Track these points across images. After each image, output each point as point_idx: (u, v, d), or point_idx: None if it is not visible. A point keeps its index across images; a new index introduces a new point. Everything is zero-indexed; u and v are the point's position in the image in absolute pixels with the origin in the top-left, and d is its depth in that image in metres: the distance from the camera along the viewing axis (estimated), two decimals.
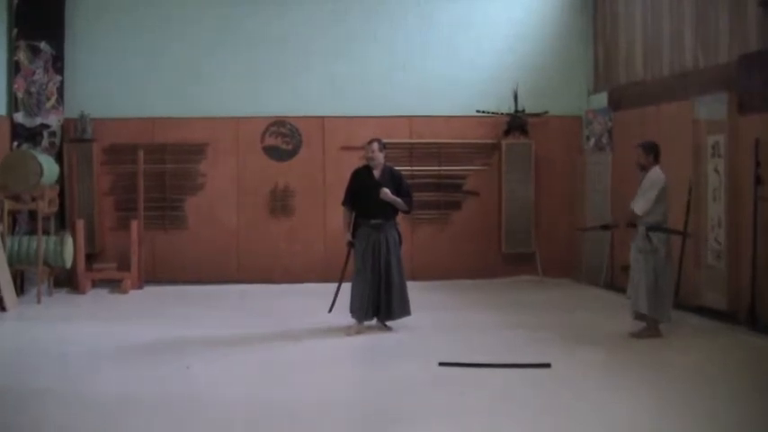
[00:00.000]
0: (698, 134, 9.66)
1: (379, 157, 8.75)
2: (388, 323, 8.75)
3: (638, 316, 8.39)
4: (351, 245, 8.71)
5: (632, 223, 8.49)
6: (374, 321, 8.75)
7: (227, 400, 6.28)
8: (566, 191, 12.70)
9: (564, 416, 5.91)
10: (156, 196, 12.20)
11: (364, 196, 8.66)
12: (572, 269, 12.53)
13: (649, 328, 8.29)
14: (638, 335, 8.29)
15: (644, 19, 11.22)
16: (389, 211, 8.70)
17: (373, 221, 8.60)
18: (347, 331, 8.55)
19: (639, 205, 8.25)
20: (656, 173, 8.27)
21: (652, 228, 8.19)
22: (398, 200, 8.65)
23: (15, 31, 11.74)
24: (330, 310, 9.03)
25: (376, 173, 8.74)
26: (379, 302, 8.60)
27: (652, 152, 8.35)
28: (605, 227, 10.22)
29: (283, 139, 12.49)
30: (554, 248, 12.62)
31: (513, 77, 12.47)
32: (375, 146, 8.76)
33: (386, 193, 8.56)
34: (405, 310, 8.70)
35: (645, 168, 8.34)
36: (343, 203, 8.85)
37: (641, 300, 8.24)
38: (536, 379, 6.80)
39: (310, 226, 12.44)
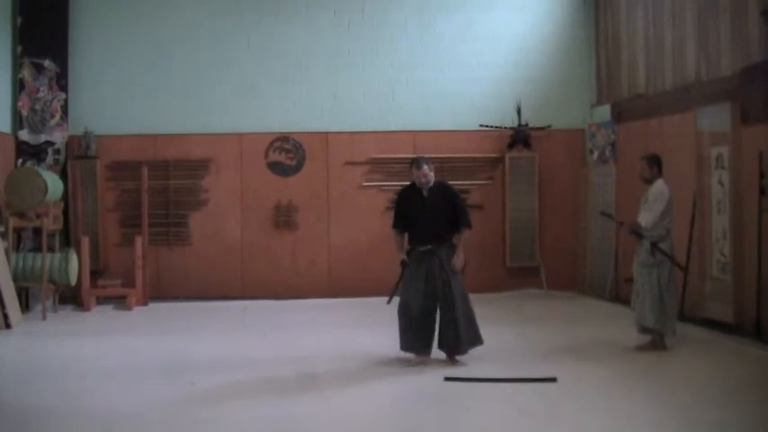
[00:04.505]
0: (701, 146, 9.65)
1: (432, 177, 7.76)
2: (459, 357, 7.71)
3: (644, 329, 8.35)
4: (404, 263, 7.73)
5: (634, 231, 8.42)
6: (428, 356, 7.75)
7: (231, 416, 6.25)
8: (570, 204, 12.69)
9: (570, 429, 5.88)
10: (159, 212, 12.21)
11: (412, 219, 7.77)
12: (577, 282, 12.50)
13: (654, 341, 8.26)
14: (643, 348, 8.25)
15: (646, 31, 11.24)
16: (443, 232, 7.73)
17: (422, 248, 7.67)
18: (410, 363, 7.69)
19: (647, 218, 8.14)
20: (661, 185, 8.23)
21: (656, 244, 8.13)
22: (461, 254, 7.68)
23: (19, 48, 11.81)
24: (389, 302, 7.94)
25: (425, 192, 7.77)
26: (441, 334, 7.67)
27: (656, 164, 8.31)
28: (607, 215, 9.86)
29: (287, 154, 12.50)
30: (558, 261, 12.60)
31: (516, 91, 12.50)
32: (426, 168, 7.70)
33: (455, 264, 7.62)
34: (476, 339, 7.73)
35: (648, 181, 8.30)
36: (394, 226, 7.93)
37: (646, 313, 8.20)
38: (542, 392, 6.77)
39: (314, 241, 12.43)
